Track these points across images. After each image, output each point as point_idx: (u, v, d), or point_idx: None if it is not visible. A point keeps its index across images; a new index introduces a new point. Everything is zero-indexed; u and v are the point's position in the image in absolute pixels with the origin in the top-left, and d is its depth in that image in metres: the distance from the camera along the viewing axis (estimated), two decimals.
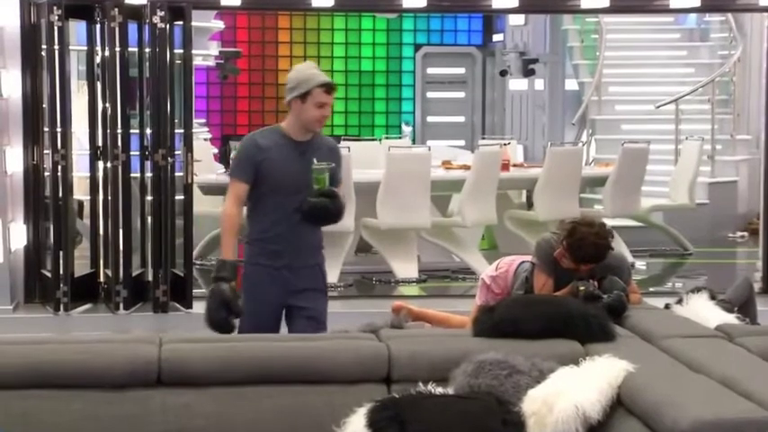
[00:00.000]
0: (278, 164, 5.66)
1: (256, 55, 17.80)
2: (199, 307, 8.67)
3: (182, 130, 8.77)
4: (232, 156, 5.89)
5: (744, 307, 6.19)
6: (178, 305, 8.69)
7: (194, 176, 8.82)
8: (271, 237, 5.74)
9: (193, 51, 9.03)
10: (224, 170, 11.05)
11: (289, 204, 5.68)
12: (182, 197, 8.72)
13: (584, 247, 5.61)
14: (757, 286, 8.53)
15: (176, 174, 8.73)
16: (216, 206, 11.04)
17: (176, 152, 8.70)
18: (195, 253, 9.93)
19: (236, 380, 4.60)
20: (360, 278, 10.11)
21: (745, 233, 13.29)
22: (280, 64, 17.95)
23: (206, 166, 10.45)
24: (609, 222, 11.38)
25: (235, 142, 13.50)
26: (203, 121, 15.38)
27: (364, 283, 10.06)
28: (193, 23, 8.86)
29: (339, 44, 18.08)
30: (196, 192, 9.14)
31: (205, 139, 12.68)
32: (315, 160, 5.66)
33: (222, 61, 15.91)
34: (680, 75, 15.15)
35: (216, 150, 13.67)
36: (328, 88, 5.70)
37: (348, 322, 5.85)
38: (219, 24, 14.09)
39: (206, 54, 13.77)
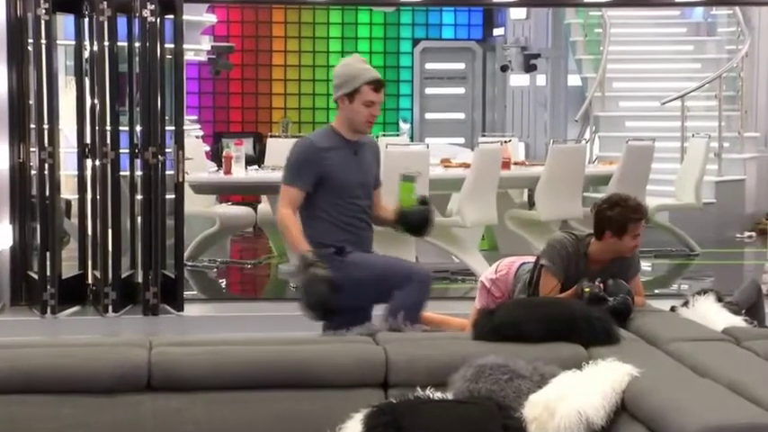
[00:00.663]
0: (340, 168, 5.61)
1: (250, 50, 17.80)
2: (190, 309, 8.68)
3: (172, 127, 8.77)
4: (286, 160, 5.81)
5: (751, 309, 6.20)
6: (169, 307, 8.69)
7: (185, 175, 8.81)
8: (334, 241, 5.71)
9: (185, 46, 9.03)
10: (216, 168, 11.06)
11: (348, 207, 5.65)
12: (172, 196, 8.72)
13: (631, 203, 5.73)
14: (765, 288, 8.51)
15: (167, 172, 8.73)
16: (207, 205, 11.08)
17: (167, 150, 8.70)
18: (186, 254, 9.93)
19: (229, 384, 4.60)
20: None
21: (753, 233, 13.31)
22: (274, 59, 17.95)
23: (197, 164, 10.45)
24: None
25: (228, 140, 13.53)
26: (195, 117, 15.39)
27: None
28: (185, 17, 8.86)
29: (335, 39, 18.08)
30: (187, 191, 9.14)
31: (197, 137, 12.68)
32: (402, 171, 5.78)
33: (214, 56, 15.91)
34: (686, 70, 15.16)
35: (208, 148, 13.68)
36: (377, 85, 5.58)
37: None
38: (212, 18, 14.09)
39: (198, 49, 13.77)
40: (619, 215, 5.74)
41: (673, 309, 6.08)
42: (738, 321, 5.78)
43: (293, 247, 5.68)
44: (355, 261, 5.65)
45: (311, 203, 5.65)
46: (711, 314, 5.77)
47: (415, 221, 5.70)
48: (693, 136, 12.47)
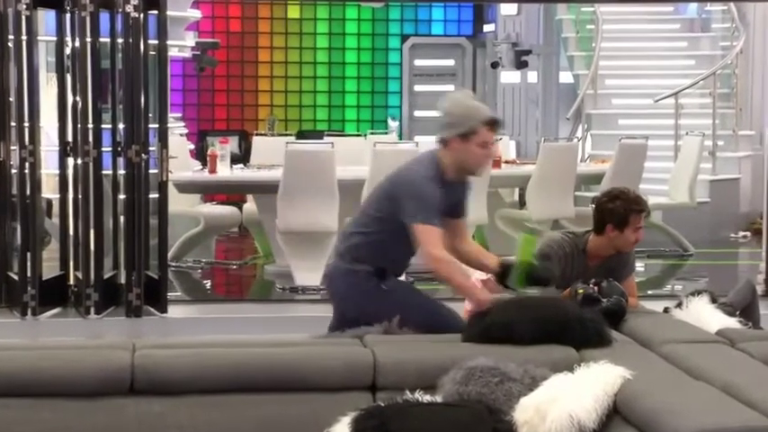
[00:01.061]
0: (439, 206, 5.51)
1: (235, 46, 17.77)
2: (174, 311, 8.66)
3: (156, 125, 8.75)
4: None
5: (746, 311, 6.20)
6: (152, 309, 8.67)
7: (169, 174, 8.80)
8: (398, 267, 5.68)
9: (169, 42, 9.02)
10: (200, 167, 11.04)
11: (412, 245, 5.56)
12: (156, 195, 8.70)
13: (631, 195, 5.77)
14: (760, 289, 8.55)
15: (150, 171, 8.71)
16: (192, 204, 11.05)
17: (150, 148, 8.69)
18: (170, 254, 9.92)
19: (214, 388, 4.59)
20: None
21: (748, 233, 13.33)
22: (260, 56, 17.93)
23: (182, 162, 10.44)
24: None
25: (213, 138, 13.50)
26: (179, 115, 15.35)
27: None
28: (169, 13, 8.84)
29: (322, 35, 18.07)
30: (171, 190, 9.13)
31: (181, 135, 12.66)
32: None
33: (199, 53, 15.89)
34: (680, 67, 15.18)
35: (192, 146, 13.66)
36: (494, 125, 5.45)
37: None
38: (196, 14, 14.07)
39: (182, 45, 13.74)
40: (620, 207, 5.77)
41: (666, 310, 6.08)
42: (733, 323, 5.79)
43: (468, 296, 5.44)
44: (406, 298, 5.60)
45: (393, 227, 5.43)
46: (705, 315, 5.78)
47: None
48: (687, 134, 12.48)
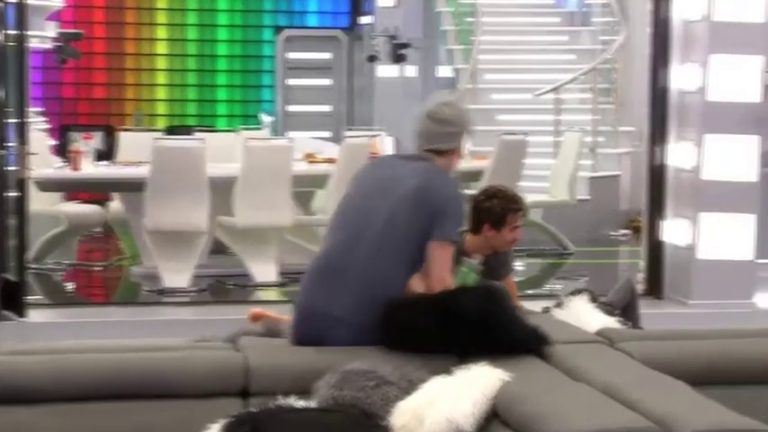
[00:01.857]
0: None
1: (100, 37, 17.55)
2: (33, 315, 8.52)
3: (15, 120, 8.60)
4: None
5: (626, 310, 6.30)
6: (10, 313, 8.51)
7: (29, 171, 8.65)
8: None
9: (28, 32, 8.86)
10: (62, 163, 10.88)
11: None
12: (15, 194, 8.55)
13: (509, 193, 5.87)
14: (640, 288, 8.70)
15: (9, 168, 8.55)
16: (53, 203, 10.88)
17: (9, 144, 8.53)
18: (30, 256, 9.75)
19: (76, 395, 4.53)
20: (214, 282, 10.04)
21: (628, 231, 13.56)
22: (126, 47, 17.73)
23: (42, 159, 10.27)
24: None
25: (75, 133, 13.30)
26: (40, 109, 15.11)
27: (219, 287, 10.00)
28: (28, 1, 8.70)
29: (192, 26, 17.94)
30: (31, 188, 8.98)
31: (41, 130, 12.46)
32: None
33: (61, 44, 15.64)
34: (560, 61, 15.39)
35: (54, 142, 13.45)
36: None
37: (200, 331, 5.80)
38: (58, 2, 13.86)
39: (43, 36, 13.53)
40: (497, 206, 5.81)
41: (546, 310, 6.15)
42: (613, 322, 5.87)
43: None
44: None
45: (418, 256, 5.10)
46: (585, 315, 5.86)
47: None
48: (567, 130, 12.66)
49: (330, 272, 5.03)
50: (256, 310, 5.94)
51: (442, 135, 5.27)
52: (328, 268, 5.04)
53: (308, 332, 4.98)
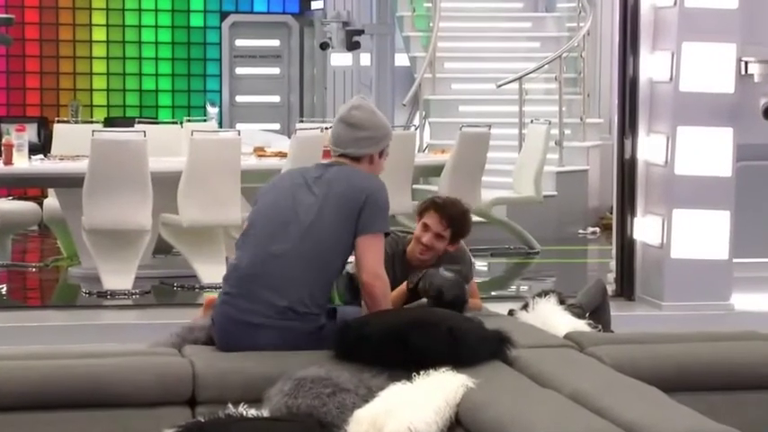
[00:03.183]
0: None
1: (32, 23, 17.45)
2: None
3: None
4: None
5: (596, 312, 6.35)
6: None
7: None
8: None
9: None
10: None
11: None
12: None
13: (439, 199, 5.99)
14: (610, 289, 8.73)
15: None
16: None
17: None
18: None
19: (10, 405, 4.52)
20: (158, 284, 10.02)
21: (597, 229, 13.62)
22: (61, 33, 17.63)
23: None
24: None
25: (7, 125, 13.22)
26: None
27: (163, 289, 9.98)
28: None
29: (131, 11, 17.86)
30: None
31: None
32: None
33: None
34: (524, 49, 15.43)
35: None
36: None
37: (144, 335, 5.80)
38: None
39: None
40: (419, 205, 5.93)
41: (511, 312, 6.19)
42: (582, 325, 5.92)
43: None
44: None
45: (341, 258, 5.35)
46: (553, 318, 5.90)
47: None
48: (532, 122, 12.70)
49: (248, 280, 5.22)
50: (211, 296, 6.05)
51: (353, 140, 5.42)
52: (245, 277, 5.24)
53: (230, 340, 5.12)
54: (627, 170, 9.24)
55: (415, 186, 11.87)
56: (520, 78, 13.80)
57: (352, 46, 17.46)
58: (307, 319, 5.15)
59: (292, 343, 5.07)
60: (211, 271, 9.76)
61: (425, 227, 5.88)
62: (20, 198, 11.94)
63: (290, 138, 10.79)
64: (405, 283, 5.72)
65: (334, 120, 5.53)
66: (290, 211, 5.28)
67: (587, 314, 6.20)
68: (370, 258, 5.22)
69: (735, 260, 8.91)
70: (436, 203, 5.94)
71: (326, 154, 10.61)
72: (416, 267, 5.86)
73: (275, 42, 18.76)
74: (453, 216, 5.89)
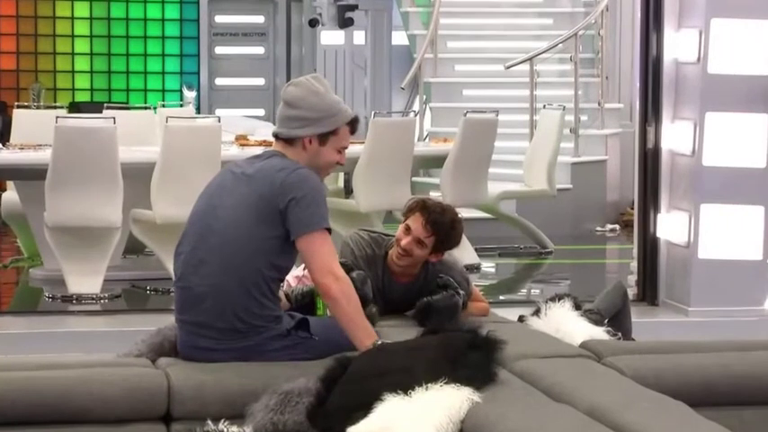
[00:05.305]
0: None
1: None
2: None
3: None
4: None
5: (616, 318, 6.35)
6: None
7: None
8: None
9: None
10: None
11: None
12: None
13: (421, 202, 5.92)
14: (631, 293, 8.75)
15: None
16: None
17: None
18: None
19: None
20: (129, 287, 10.02)
21: (617, 226, 13.63)
22: (21, 9, 17.61)
23: None
24: None
25: None
26: None
27: (135, 293, 9.98)
28: None
29: None
30: None
31: None
32: None
33: None
34: (535, 26, 15.42)
35: None
36: (354, 126, 5.51)
37: (114, 344, 5.80)
38: None
39: None
40: (406, 203, 5.98)
41: (521, 319, 6.19)
42: (600, 333, 5.93)
43: (355, 331, 5.22)
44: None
45: (275, 262, 5.32)
46: (568, 324, 5.90)
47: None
48: (545, 107, 12.69)
49: (185, 301, 5.28)
50: None
51: (283, 119, 5.44)
52: (182, 299, 5.30)
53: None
54: (650, 161, 9.24)
55: (414, 179, 11.87)
56: (531, 59, 13.79)
57: (345, 23, 17.47)
58: (254, 333, 5.18)
59: (258, 358, 5.11)
60: None
61: (407, 229, 5.87)
62: None
63: (275, 125, 10.78)
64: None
65: None
66: (210, 218, 5.34)
67: (606, 321, 6.21)
68: (317, 258, 5.21)
69: None
70: (424, 205, 5.91)
71: None
72: (397, 274, 5.89)
73: (259, 19, 18.76)
74: (439, 223, 5.85)
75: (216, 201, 5.38)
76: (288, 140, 5.41)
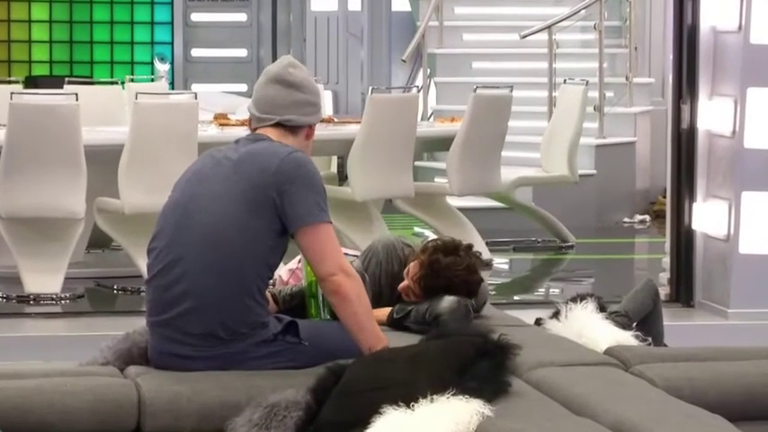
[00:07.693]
0: None
1: None
2: None
3: None
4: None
5: (646, 321, 6.37)
6: None
7: None
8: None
9: None
10: None
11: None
12: None
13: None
14: (663, 292, 8.77)
15: None
16: None
17: None
18: None
19: None
20: (94, 286, 10.03)
21: (647, 217, 13.64)
22: None
23: None
24: (456, 203, 11.49)
25: None
26: None
27: (100, 292, 9.99)
28: None
29: None
30: None
31: None
32: None
33: None
34: None
35: None
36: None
37: (76, 350, 5.82)
38: None
39: None
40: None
41: (539, 322, 6.21)
42: (627, 338, 5.94)
43: (365, 333, 5.25)
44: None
45: (266, 259, 5.34)
46: (591, 328, 5.92)
47: None
48: (565, 82, 12.70)
49: (159, 303, 5.29)
50: None
51: (294, 104, 5.41)
52: (155, 301, 5.30)
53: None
54: (684, 143, 9.26)
55: (417, 163, 11.89)
56: (549, 27, 13.80)
57: None
58: (237, 340, 5.20)
59: (240, 367, 5.14)
60: None
61: (407, 271, 6.02)
62: None
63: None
64: (387, 312, 5.81)
65: (260, 82, 5.47)
66: (190, 209, 5.32)
67: (634, 324, 6.22)
68: (325, 253, 5.22)
69: None
70: (429, 251, 5.99)
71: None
72: (408, 298, 5.96)
73: None
74: (430, 287, 5.93)
75: (196, 189, 5.36)
76: (292, 129, 5.40)
